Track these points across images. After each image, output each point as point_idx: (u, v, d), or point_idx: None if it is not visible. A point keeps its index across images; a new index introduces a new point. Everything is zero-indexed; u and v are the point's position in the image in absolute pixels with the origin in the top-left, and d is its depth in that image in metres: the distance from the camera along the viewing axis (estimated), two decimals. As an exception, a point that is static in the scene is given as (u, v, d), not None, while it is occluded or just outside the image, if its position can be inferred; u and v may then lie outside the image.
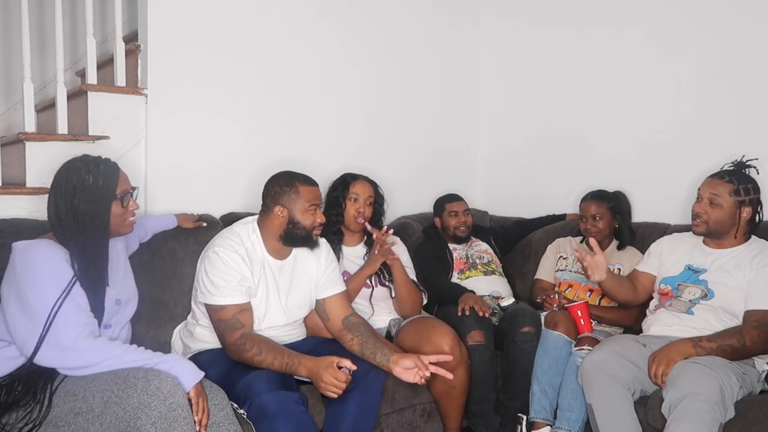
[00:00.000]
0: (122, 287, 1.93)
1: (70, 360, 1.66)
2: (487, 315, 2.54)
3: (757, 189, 2.25)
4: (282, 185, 2.16)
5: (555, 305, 2.61)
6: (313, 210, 2.15)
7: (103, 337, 1.75)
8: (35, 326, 1.65)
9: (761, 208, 2.28)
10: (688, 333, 2.19)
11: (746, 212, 2.23)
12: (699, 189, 2.29)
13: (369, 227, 2.52)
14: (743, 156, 2.31)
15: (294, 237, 2.15)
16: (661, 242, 2.50)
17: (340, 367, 1.92)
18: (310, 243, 2.19)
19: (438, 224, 3.08)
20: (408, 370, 2.00)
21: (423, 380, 2.00)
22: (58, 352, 1.65)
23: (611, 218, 2.77)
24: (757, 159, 2.29)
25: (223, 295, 2.04)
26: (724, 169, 2.31)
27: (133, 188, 1.90)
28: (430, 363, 2.02)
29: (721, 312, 2.20)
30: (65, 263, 1.72)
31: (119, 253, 1.98)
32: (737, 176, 2.25)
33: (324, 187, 2.68)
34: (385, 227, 2.52)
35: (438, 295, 2.75)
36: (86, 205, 1.75)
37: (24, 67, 2.47)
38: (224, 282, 2.04)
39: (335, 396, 1.93)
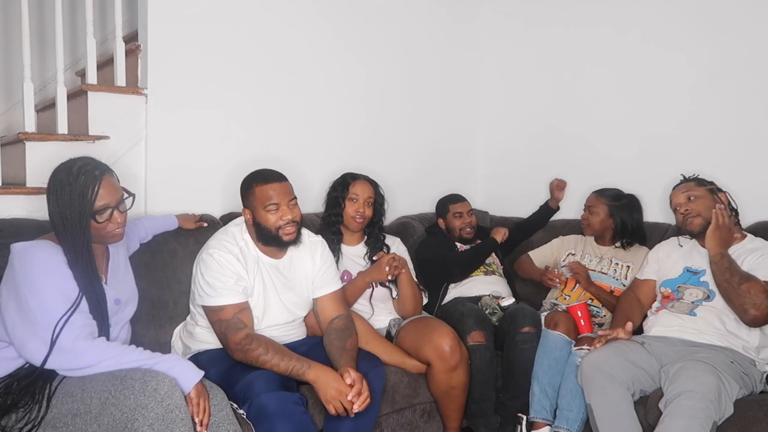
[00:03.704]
0: (122, 287, 1.93)
1: (68, 361, 1.66)
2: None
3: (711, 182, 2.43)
4: (244, 188, 2.16)
5: (557, 280, 2.70)
6: (274, 209, 2.09)
7: (101, 338, 1.75)
8: (34, 329, 1.65)
9: (731, 196, 2.40)
10: (690, 334, 2.21)
11: (723, 197, 2.35)
12: (671, 203, 2.43)
13: (375, 258, 2.52)
14: (693, 174, 2.46)
15: (266, 238, 2.13)
16: (658, 248, 2.55)
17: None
18: (281, 243, 2.14)
19: (442, 225, 3.07)
20: (338, 389, 1.94)
21: (334, 411, 1.95)
22: (56, 354, 1.65)
23: (607, 215, 2.79)
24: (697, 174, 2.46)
25: (220, 295, 2.04)
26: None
27: (127, 196, 1.83)
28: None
29: (723, 313, 2.21)
30: (64, 265, 1.71)
31: (119, 253, 1.98)
32: (689, 179, 2.44)
33: (325, 187, 2.68)
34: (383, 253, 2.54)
35: (466, 262, 2.84)
36: (69, 213, 1.73)
37: (24, 67, 2.46)
38: (221, 283, 2.04)
39: (333, 413, 1.93)
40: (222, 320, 2.03)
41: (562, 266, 2.86)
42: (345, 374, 1.96)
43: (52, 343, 1.64)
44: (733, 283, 2.14)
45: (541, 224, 3.21)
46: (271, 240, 2.13)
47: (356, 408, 1.93)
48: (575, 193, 3.15)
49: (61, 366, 1.67)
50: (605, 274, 2.78)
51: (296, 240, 2.16)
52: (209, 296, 2.05)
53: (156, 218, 2.39)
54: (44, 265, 1.69)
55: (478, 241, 3.04)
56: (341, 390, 1.93)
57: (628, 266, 2.75)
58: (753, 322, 2.12)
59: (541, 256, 2.99)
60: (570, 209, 3.20)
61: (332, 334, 2.16)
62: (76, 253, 1.73)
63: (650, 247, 2.70)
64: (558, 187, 3.20)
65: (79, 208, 1.73)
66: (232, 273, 2.06)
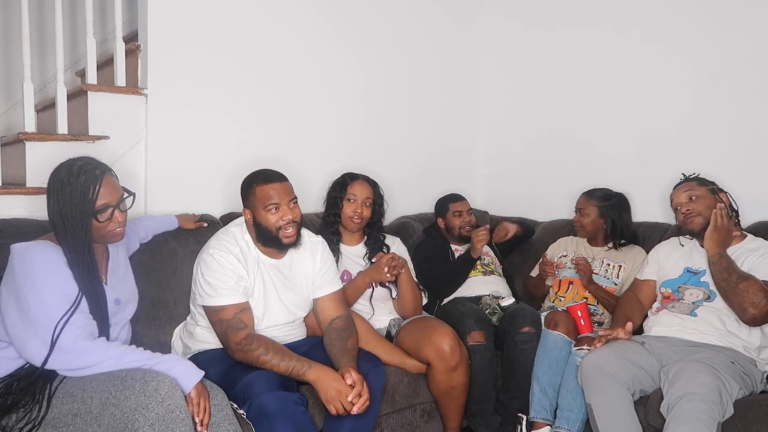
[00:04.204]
0: (122, 287, 1.93)
1: (68, 361, 1.66)
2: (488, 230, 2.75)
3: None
4: (245, 187, 2.16)
5: (555, 269, 2.70)
6: (274, 208, 2.09)
7: (101, 338, 1.75)
8: (34, 330, 1.65)
9: (732, 197, 2.39)
10: (690, 334, 2.22)
11: (724, 197, 2.34)
12: (672, 203, 2.42)
13: (374, 260, 2.50)
14: (694, 173, 2.46)
15: (266, 238, 2.13)
16: (658, 248, 2.55)
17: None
18: (281, 245, 2.14)
19: (441, 225, 3.07)
20: (338, 389, 1.94)
21: (335, 411, 1.95)
22: (57, 354, 1.65)
23: (597, 216, 2.80)
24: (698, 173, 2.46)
25: (221, 295, 2.04)
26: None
27: (127, 195, 1.84)
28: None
29: (724, 313, 2.21)
30: (64, 265, 1.71)
31: (119, 253, 1.98)
32: (690, 178, 2.43)
33: (325, 187, 2.68)
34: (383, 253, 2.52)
35: (448, 276, 2.79)
36: (70, 213, 1.73)
37: (24, 67, 2.46)
38: (221, 283, 2.04)
39: (333, 413, 1.93)
40: (222, 320, 2.03)
41: (569, 262, 2.86)
42: (346, 375, 1.96)
43: (53, 344, 1.64)
44: (731, 282, 2.14)
45: (527, 235, 3.21)
46: (271, 241, 2.13)
47: (355, 410, 1.93)
48: (574, 193, 3.14)
49: (62, 366, 1.67)
50: (596, 273, 2.78)
51: (296, 243, 2.17)
52: (210, 296, 2.05)
53: (156, 218, 2.39)
54: (44, 266, 1.69)
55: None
56: (341, 390, 1.93)
57: (620, 266, 2.75)
58: (752, 321, 2.13)
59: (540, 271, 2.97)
60: (570, 209, 3.20)
61: (333, 334, 2.16)
62: (77, 253, 1.73)
63: (644, 247, 2.70)
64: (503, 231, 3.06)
65: (80, 207, 1.72)
66: (232, 273, 2.06)
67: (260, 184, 2.11)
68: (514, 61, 3.59)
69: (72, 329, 1.66)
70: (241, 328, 2.01)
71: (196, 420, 1.67)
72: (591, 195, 2.84)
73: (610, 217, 2.78)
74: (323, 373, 1.96)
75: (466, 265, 2.82)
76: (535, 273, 2.96)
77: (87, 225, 1.74)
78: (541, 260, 2.87)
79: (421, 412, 2.40)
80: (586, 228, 2.83)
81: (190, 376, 1.70)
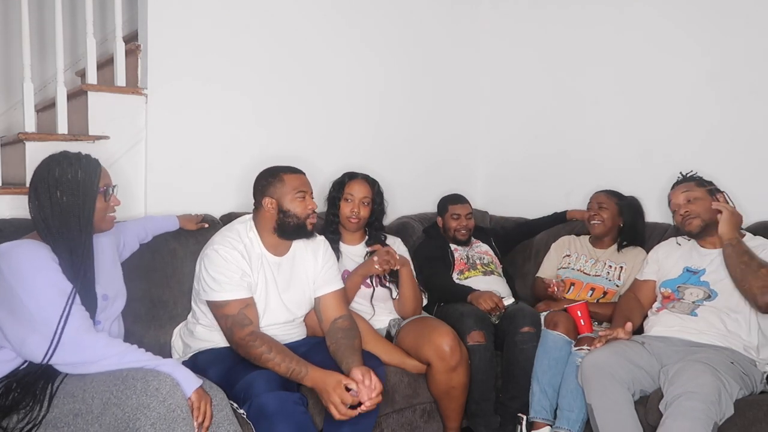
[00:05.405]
0: (109, 283, 1.91)
1: (69, 355, 1.65)
2: (502, 307, 2.59)
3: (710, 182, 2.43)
4: (267, 177, 2.18)
5: (557, 289, 2.68)
6: (302, 197, 2.14)
7: (103, 333, 1.74)
8: (32, 326, 1.64)
9: (729, 197, 2.39)
10: (690, 334, 2.22)
11: (721, 198, 2.34)
12: (670, 204, 2.42)
13: (369, 249, 2.49)
14: (691, 171, 2.47)
15: (288, 227, 2.15)
16: (657, 249, 2.55)
17: (348, 389, 1.92)
18: (305, 233, 2.18)
19: (440, 224, 3.07)
20: (340, 396, 1.92)
21: (339, 415, 1.93)
22: (58, 348, 1.63)
23: (616, 214, 2.80)
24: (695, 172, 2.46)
25: (225, 290, 2.04)
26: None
27: (113, 185, 1.88)
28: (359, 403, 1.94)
29: (724, 313, 2.21)
30: (51, 261, 1.70)
31: (104, 248, 1.95)
32: (688, 177, 2.43)
33: (325, 187, 2.68)
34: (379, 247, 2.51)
35: (442, 294, 2.76)
36: (69, 198, 1.73)
37: (24, 67, 2.47)
38: (226, 278, 2.04)
39: (337, 417, 1.92)
40: (227, 315, 2.02)
41: (572, 263, 2.87)
42: (355, 372, 1.94)
43: (58, 337, 1.62)
44: (752, 266, 2.13)
45: (546, 228, 3.21)
46: (295, 229, 2.15)
47: (369, 404, 1.92)
48: (574, 193, 3.15)
49: (62, 360, 1.66)
50: (599, 276, 2.78)
51: (314, 232, 2.22)
52: (214, 291, 2.04)
53: (156, 219, 2.39)
54: (33, 263, 1.68)
55: (473, 240, 3.03)
56: (341, 400, 1.91)
57: (621, 267, 2.75)
58: (766, 307, 2.12)
59: (547, 270, 2.96)
60: (570, 209, 3.20)
61: (338, 333, 2.16)
62: (75, 246, 1.73)
63: (646, 248, 2.70)
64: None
65: (83, 195, 1.74)
66: (237, 268, 2.07)
67: (288, 173, 2.16)
68: (514, 61, 3.59)
69: (72, 321, 1.65)
70: (247, 324, 2.01)
71: (195, 424, 1.66)
72: (609, 193, 2.86)
73: (626, 218, 2.80)
74: (320, 378, 1.94)
75: (460, 294, 2.75)
76: (545, 275, 2.94)
77: (90, 212, 1.76)
78: (546, 286, 2.77)
79: (421, 412, 2.40)
80: (606, 222, 2.80)
81: (190, 381, 1.69)
